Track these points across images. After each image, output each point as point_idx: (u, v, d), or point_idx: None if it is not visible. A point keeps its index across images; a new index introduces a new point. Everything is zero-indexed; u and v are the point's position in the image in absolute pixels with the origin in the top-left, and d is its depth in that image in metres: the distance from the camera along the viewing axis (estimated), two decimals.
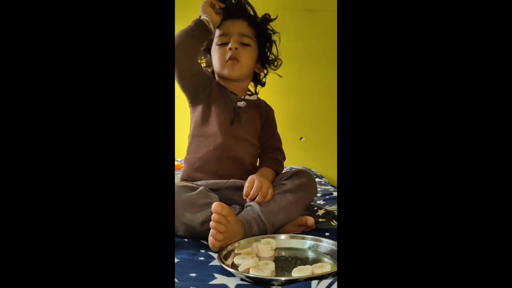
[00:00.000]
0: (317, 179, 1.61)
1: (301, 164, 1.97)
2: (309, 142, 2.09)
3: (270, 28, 0.94)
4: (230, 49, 0.85)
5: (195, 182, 0.81)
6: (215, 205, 0.61)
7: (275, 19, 0.94)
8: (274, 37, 0.96)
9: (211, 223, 0.60)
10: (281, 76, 1.01)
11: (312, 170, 1.88)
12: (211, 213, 0.64)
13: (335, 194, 1.25)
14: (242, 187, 0.80)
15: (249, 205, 0.73)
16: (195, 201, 0.69)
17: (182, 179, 0.87)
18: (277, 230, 0.73)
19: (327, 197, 1.22)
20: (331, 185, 1.50)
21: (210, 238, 0.61)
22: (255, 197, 0.73)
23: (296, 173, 0.81)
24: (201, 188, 0.72)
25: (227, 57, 0.86)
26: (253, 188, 0.73)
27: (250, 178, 0.77)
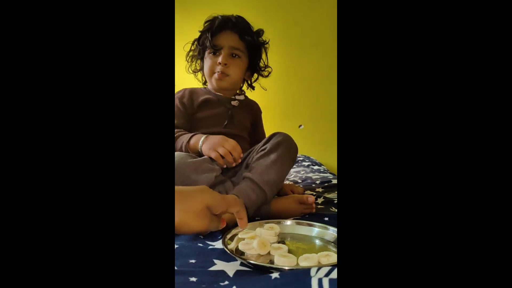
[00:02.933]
0: (316, 167, 1.62)
1: (300, 152, 1.97)
2: (308, 129, 2.09)
3: (262, 40, 1.02)
4: (219, 63, 0.93)
5: None
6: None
7: (265, 43, 1.03)
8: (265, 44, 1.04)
9: None
10: (265, 89, 1.11)
11: (311, 157, 1.89)
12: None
13: (334, 181, 1.25)
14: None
15: (246, 177, 0.76)
16: (200, 164, 0.75)
17: None
18: (275, 191, 0.76)
19: (326, 184, 1.22)
20: (330, 173, 1.51)
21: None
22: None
23: (272, 136, 0.85)
24: (204, 156, 0.79)
25: (216, 70, 0.95)
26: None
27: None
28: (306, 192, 1.06)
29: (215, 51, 0.95)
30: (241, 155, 0.80)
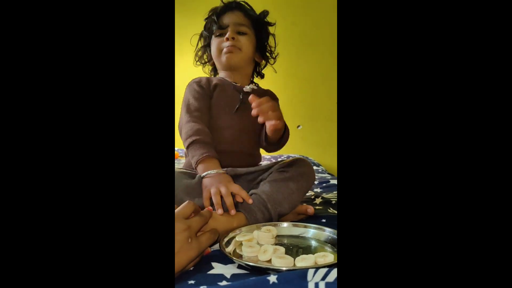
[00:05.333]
0: (314, 167, 1.62)
1: (299, 152, 1.98)
2: (306, 130, 2.09)
3: (267, 20, 0.98)
4: (227, 39, 0.89)
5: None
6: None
7: (272, 24, 1.00)
8: (271, 29, 1.00)
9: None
10: (276, 72, 1.05)
11: (310, 158, 1.89)
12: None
13: (332, 182, 1.25)
14: (240, 175, 0.83)
15: (254, 193, 0.74)
16: (194, 187, 0.73)
17: (185, 168, 0.89)
18: (280, 219, 0.74)
19: (324, 184, 1.22)
20: (328, 173, 1.51)
21: None
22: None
23: (296, 161, 0.82)
24: (198, 175, 0.76)
25: (224, 47, 0.90)
26: (264, 103, 0.70)
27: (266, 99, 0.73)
28: None
29: (221, 33, 0.92)
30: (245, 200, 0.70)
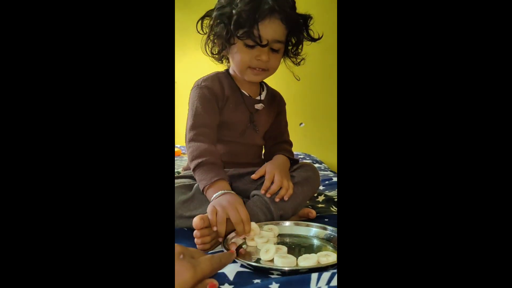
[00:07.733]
0: (316, 165, 1.62)
1: (301, 150, 1.98)
2: (309, 127, 2.08)
3: (311, 36, 0.83)
4: (259, 60, 0.77)
5: None
6: (195, 221, 0.58)
7: (315, 40, 0.85)
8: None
9: (196, 240, 0.58)
10: (298, 79, 0.93)
11: (312, 155, 1.89)
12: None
13: (335, 179, 1.25)
14: (243, 174, 0.82)
15: (257, 195, 0.73)
16: (192, 200, 0.72)
17: (185, 169, 0.88)
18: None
19: (327, 182, 1.22)
20: (331, 171, 1.51)
21: (198, 247, 0.59)
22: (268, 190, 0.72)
23: (302, 166, 0.82)
24: (196, 185, 0.74)
25: (253, 65, 0.78)
26: (274, 183, 0.71)
27: (269, 169, 0.74)
28: None
29: (254, 45, 0.75)
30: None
